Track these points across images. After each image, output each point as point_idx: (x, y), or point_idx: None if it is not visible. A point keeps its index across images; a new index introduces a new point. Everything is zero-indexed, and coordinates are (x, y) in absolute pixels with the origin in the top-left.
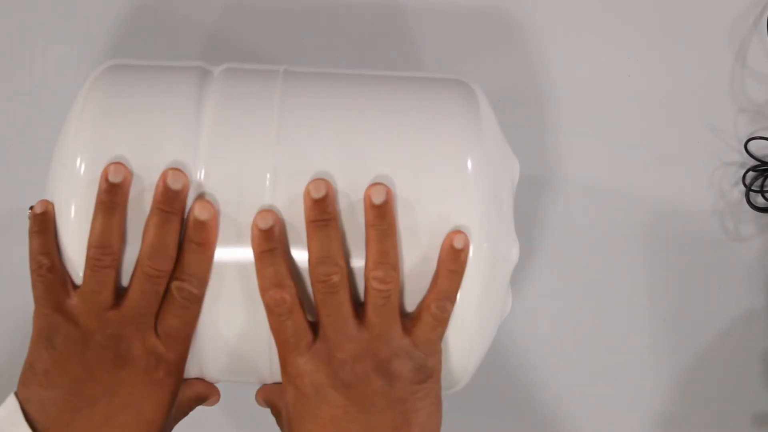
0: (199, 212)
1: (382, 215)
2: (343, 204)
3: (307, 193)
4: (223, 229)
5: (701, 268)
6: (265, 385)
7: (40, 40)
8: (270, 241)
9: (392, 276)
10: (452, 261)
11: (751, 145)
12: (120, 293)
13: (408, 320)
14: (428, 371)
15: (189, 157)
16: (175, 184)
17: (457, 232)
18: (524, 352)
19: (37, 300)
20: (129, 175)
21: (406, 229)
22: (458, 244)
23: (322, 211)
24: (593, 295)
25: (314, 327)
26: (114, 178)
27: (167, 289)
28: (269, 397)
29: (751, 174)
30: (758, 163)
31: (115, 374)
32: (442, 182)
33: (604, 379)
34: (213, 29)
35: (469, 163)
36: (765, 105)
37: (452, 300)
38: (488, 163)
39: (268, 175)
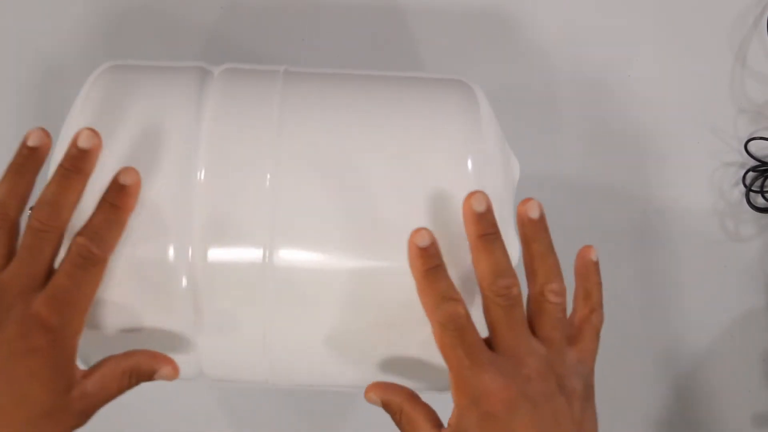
0: (124, 177)
1: (544, 229)
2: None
3: (468, 207)
4: (223, 228)
5: (701, 268)
6: (380, 383)
7: (40, 40)
8: (434, 258)
9: (564, 289)
10: (595, 272)
11: (751, 146)
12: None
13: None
14: (592, 388)
15: (189, 157)
16: (84, 143)
17: (588, 249)
18: None
19: None
20: (48, 141)
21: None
22: (594, 256)
23: (489, 224)
24: None
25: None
26: (32, 143)
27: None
28: (396, 400)
29: (751, 174)
30: (758, 163)
31: None
32: (442, 182)
33: (604, 379)
34: (213, 29)
35: (469, 163)
36: (765, 105)
37: (602, 308)
38: (488, 163)
39: (268, 176)
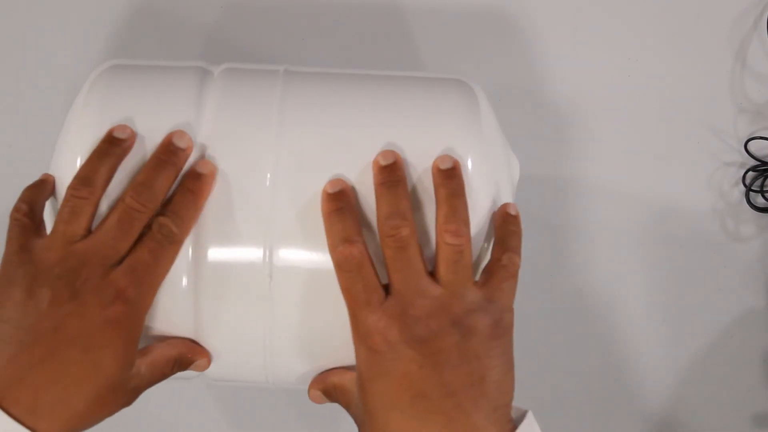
0: (200, 167)
1: (451, 176)
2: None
3: (375, 162)
4: (223, 227)
5: (701, 268)
6: (319, 374)
7: (41, 40)
8: (338, 201)
9: (464, 231)
10: (512, 223)
11: (751, 145)
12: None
13: (478, 280)
14: (504, 327)
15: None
16: (179, 142)
17: (507, 204)
18: (523, 352)
19: (7, 243)
20: (133, 136)
21: None
22: (512, 210)
23: (391, 173)
24: (593, 295)
25: (386, 288)
26: (119, 134)
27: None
28: (328, 380)
29: (751, 174)
30: (758, 163)
31: (63, 306)
32: None
33: (604, 379)
34: (213, 29)
35: (470, 163)
36: (765, 105)
37: (519, 254)
38: (488, 163)
39: (268, 175)
